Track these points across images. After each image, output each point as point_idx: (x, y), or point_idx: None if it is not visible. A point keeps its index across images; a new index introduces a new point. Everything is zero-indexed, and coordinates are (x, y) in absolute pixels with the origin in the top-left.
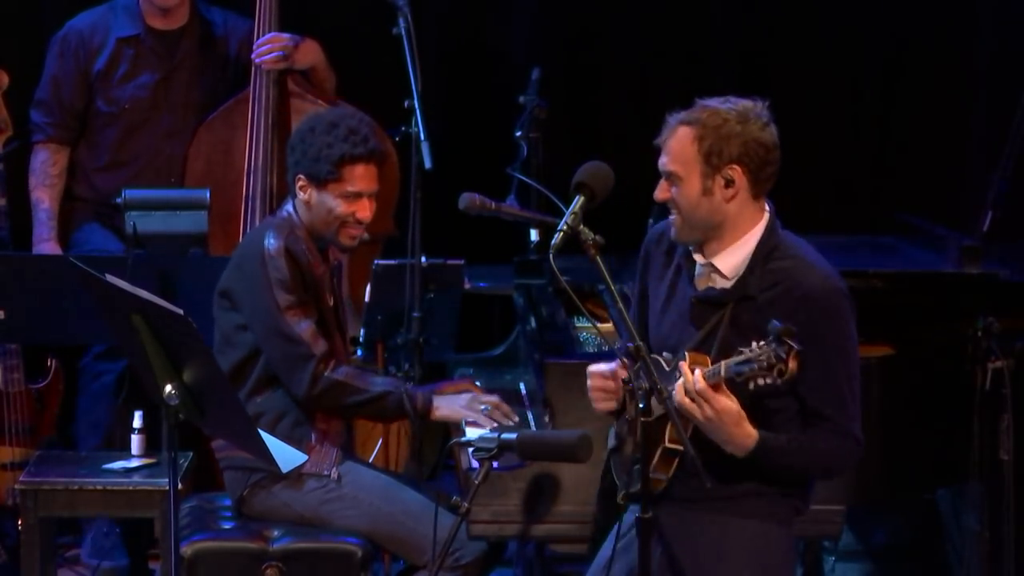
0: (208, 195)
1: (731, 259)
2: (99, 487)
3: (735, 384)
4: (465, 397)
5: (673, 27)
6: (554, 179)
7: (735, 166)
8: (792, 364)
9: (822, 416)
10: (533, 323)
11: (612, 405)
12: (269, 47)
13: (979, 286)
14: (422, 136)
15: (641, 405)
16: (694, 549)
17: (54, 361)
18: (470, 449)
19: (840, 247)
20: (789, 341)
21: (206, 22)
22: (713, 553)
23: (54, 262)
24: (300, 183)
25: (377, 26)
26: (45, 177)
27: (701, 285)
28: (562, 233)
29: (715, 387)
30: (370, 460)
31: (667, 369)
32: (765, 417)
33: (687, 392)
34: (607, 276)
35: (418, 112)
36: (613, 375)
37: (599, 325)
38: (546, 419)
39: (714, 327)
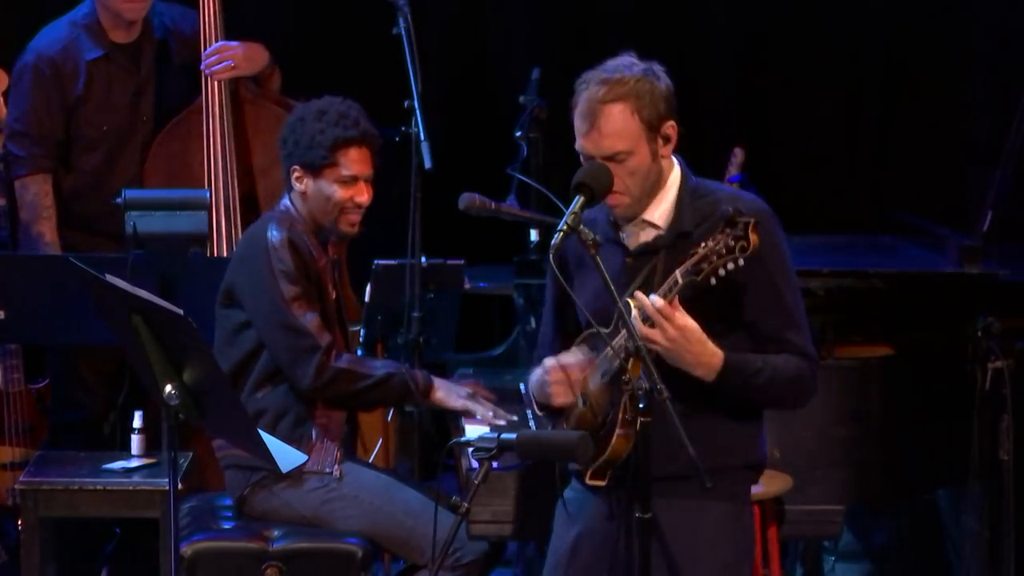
0: (208, 195)
1: (660, 208)
2: (99, 487)
3: (695, 288)
4: (464, 389)
5: (673, 27)
6: (554, 179)
7: (669, 122)
8: (753, 237)
9: (779, 340)
10: (533, 323)
11: (571, 399)
12: (218, 57)
13: (979, 286)
14: (422, 136)
15: (641, 405)
16: (666, 535)
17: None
18: (470, 449)
19: (840, 247)
20: (742, 218)
21: (157, 26)
22: (687, 538)
23: (54, 262)
24: (296, 175)
25: (377, 26)
26: (42, 210)
27: (633, 244)
28: (562, 233)
29: (672, 304)
30: (370, 460)
31: (607, 332)
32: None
33: (644, 318)
34: (606, 276)
35: (418, 112)
36: (577, 368)
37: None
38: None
39: (650, 273)
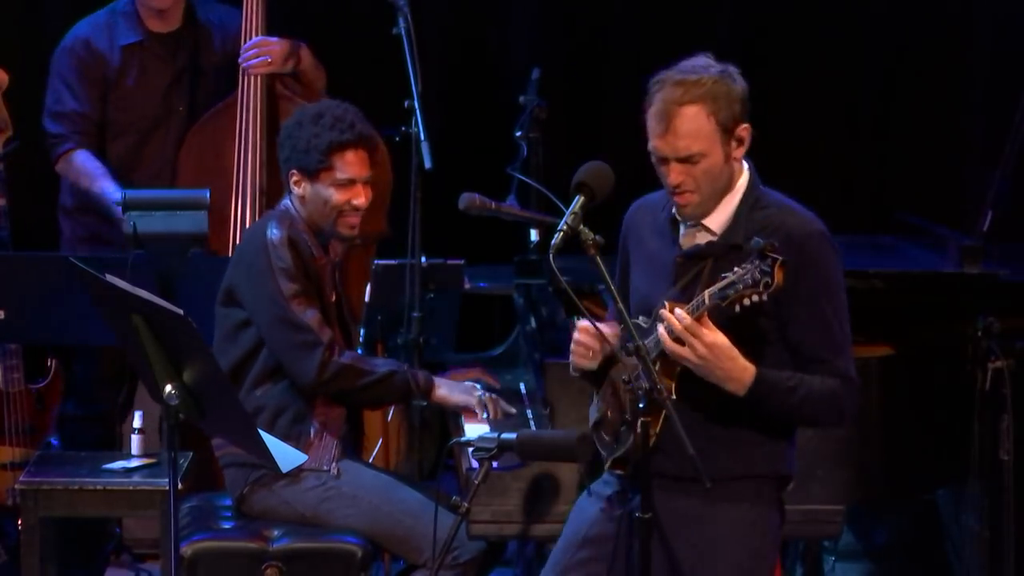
0: (208, 195)
1: (720, 215)
2: (99, 487)
3: (721, 312)
4: (466, 384)
5: (673, 27)
6: (554, 179)
7: (744, 124)
8: (778, 275)
9: (818, 360)
10: (533, 323)
11: (592, 365)
12: (256, 51)
13: (979, 286)
14: (422, 136)
15: (641, 405)
16: (684, 534)
17: (54, 361)
18: (470, 449)
19: (840, 247)
20: (772, 254)
21: (202, 20)
22: (705, 538)
23: (54, 262)
24: (294, 178)
25: (377, 26)
26: (95, 169)
27: (687, 244)
28: (562, 233)
29: (701, 321)
30: (370, 460)
31: (645, 327)
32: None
33: (673, 335)
34: (607, 276)
35: (418, 112)
36: (601, 336)
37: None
38: (546, 416)
39: (694, 277)
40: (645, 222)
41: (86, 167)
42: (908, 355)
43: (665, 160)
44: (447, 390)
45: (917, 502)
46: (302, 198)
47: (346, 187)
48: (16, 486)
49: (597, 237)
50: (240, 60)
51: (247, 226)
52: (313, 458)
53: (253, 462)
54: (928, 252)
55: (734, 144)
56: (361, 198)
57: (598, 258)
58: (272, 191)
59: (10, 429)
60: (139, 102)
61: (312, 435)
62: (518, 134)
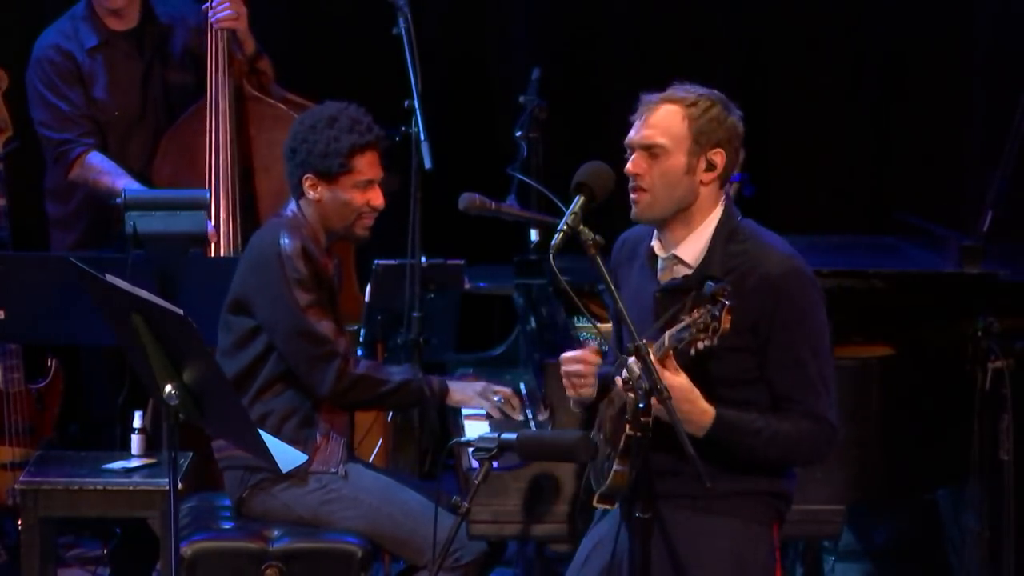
0: (208, 195)
1: (693, 247)
2: (99, 487)
3: (678, 353)
4: (479, 384)
5: (673, 27)
6: (554, 179)
7: (719, 150)
8: (725, 322)
9: (791, 400)
10: (533, 323)
11: (592, 391)
12: (227, 5)
13: (979, 286)
14: (422, 136)
15: (641, 405)
16: (672, 547)
17: (54, 361)
18: (470, 449)
19: (840, 247)
20: (722, 299)
21: (161, 15)
22: (691, 551)
23: (54, 262)
24: (308, 183)
25: (377, 26)
26: (112, 169)
27: (664, 278)
28: (562, 233)
29: (664, 363)
30: (370, 460)
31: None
32: (737, 410)
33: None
34: (607, 276)
35: (418, 112)
36: (584, 358)
37: (599, 325)
38: (545, 418)
39: (677, 312)
40: (627, 257)
41: (103, 167)
42: (908, 355)
43: (631, 152)
44: (461, 395)
45: (917, 502)
46: (318, 202)
47: (366, 188)
48: (16, 486)
49: (597, 237)
50: (209, 13)
51: (220, 230)
52: (320, 461)
53: (252, 465)
54: (928, 252)
55: (703, 163)
56: (379, 199)
57: (598, 258)
58: (245, 192)
59: (10, 429)
60: (114, 101)
61: (319, 438)
62: (518, 134)
